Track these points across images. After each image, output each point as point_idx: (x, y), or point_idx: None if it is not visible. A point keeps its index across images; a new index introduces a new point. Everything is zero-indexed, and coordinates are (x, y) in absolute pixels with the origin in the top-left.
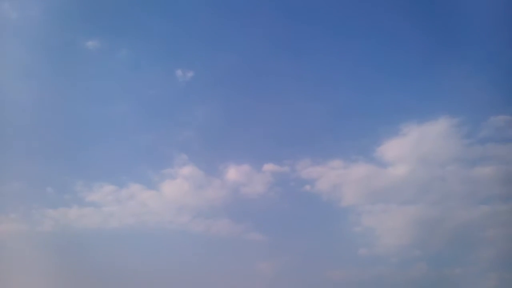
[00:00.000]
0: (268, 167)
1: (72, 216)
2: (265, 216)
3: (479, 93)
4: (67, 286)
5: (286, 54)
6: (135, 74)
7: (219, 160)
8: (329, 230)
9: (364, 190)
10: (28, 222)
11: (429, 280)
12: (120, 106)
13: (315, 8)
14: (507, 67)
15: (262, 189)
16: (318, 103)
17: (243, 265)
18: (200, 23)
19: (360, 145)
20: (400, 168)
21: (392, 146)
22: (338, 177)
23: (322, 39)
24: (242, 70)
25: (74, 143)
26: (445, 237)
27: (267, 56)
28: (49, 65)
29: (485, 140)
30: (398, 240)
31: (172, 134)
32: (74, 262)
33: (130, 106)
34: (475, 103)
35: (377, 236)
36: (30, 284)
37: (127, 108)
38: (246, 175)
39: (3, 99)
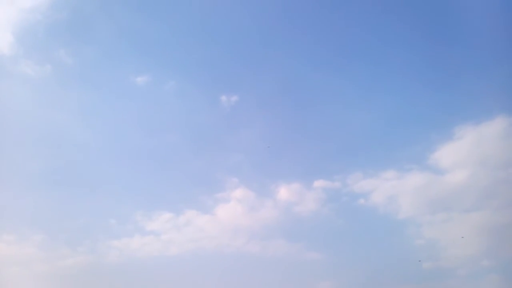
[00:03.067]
0: (319, 183)
1: (135, 246)
2: (320, 233)
3: None
4: None
5: (328, 68)
6: (182, 104)
7: (270, 180)
8: (389, 245)
9: (422, 200)
10: (95, 254)
11: None
12: (170, 136)
13: (354, 19)
14: None
15: (315, 206)
16: (365, 113)
17: (303, 286)
18: (239, 49)
19: (413, 153)
20: (459, 174)
21: (447, 152)
22: (393, 188)
23: (363, 49)
24: (285, 89)
25: (130, 175)
26: None
27: (309, 72)
28: (104, 102)
29: None
30: (465, 250)
31: (222, 159)
32: None
33: (180, 135)
34: None
35: (441, 248)
36: None
37: (177, 137)
38: (297, 194)
39: (64, 137)
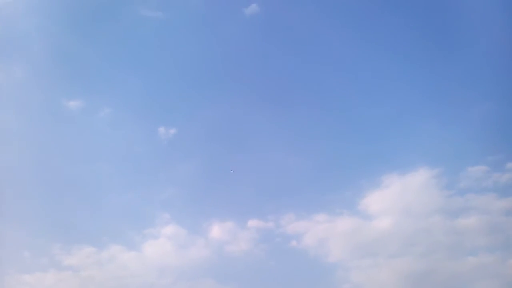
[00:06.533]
0: (253, 223)
1: (49, 282)
2: (251, 275)
3: (456, 143)
4: None
5: (266, 109)
6: (117, 133)
7: (203, 218)
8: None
9: (350, 244)
10: None
11: None
12: (101, 165)
13: (294, 61)
14: (481, 117)
15: (247, 247)
16: (300, 157)
17: None
18: (181, 81)
19: (344, 198)
20: (385, 221)
21: (375, 198)
22: (324, 231)
23: (300, 92)
24: (224, 126)
25: (52, 204)
26: None
27: (249, 112)
28: (31, 126)
29: (465, 191)
30: None
31: (154, 193)
32: None
33: (111, 165)
34: (452, 154)
35: None
36: None
37: (109, 167)
38: (230, 233)
39: None
